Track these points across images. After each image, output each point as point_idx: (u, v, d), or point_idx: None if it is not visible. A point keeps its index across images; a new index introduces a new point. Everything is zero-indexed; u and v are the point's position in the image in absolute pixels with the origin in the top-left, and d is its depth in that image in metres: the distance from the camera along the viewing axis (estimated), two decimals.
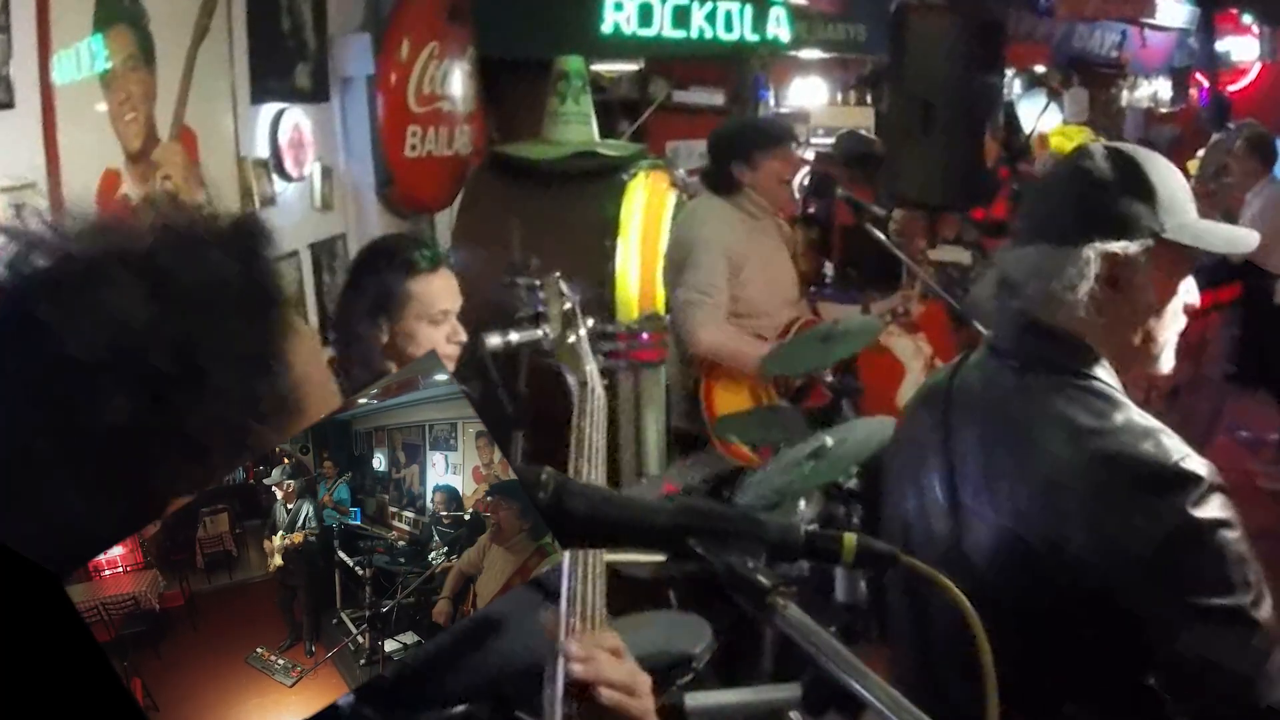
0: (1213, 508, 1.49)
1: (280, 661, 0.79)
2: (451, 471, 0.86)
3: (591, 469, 1.49)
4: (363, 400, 0.85)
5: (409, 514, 0.85)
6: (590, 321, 2.22)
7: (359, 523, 0.84)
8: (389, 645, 0.83)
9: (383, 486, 0.85)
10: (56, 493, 0.75)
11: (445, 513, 0.85)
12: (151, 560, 0.77)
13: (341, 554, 0.83)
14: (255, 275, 0.83)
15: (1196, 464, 1.51)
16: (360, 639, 0.82)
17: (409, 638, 0.83)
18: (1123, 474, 1.52)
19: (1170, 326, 1.67)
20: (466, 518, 0.85)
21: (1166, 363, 1.70)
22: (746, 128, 4.46)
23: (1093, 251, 1.57)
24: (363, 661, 0.82)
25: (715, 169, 4.14)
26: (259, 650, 0.79)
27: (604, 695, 1.15)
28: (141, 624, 0.77)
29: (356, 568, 0.83)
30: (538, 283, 2.27)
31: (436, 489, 0.86)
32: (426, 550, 0.84)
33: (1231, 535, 1.49)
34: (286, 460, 0.81)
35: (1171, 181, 1.64)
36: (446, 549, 0.84)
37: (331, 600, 0.82)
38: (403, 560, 0.84)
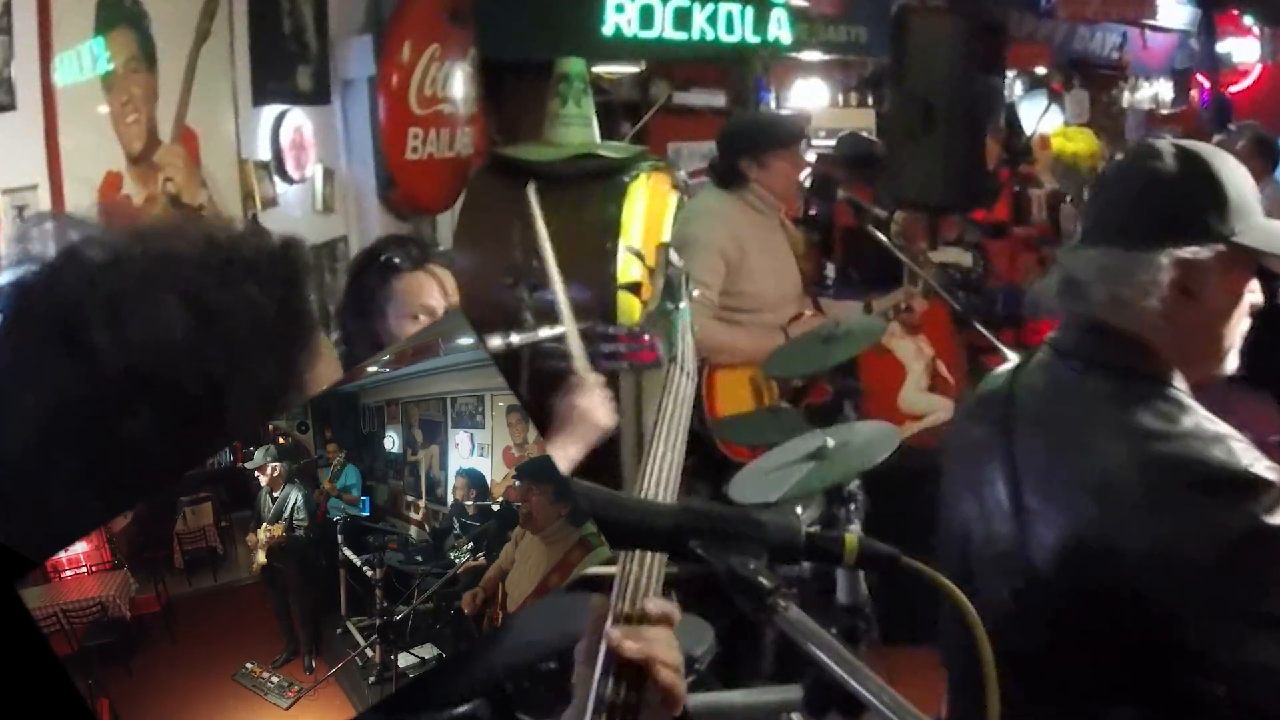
0: None
1: (274, 679, 0.69)
2: (478, 453, 0.74)
3: (668, 449, 1.41)
4: (373, 369, 0.73)
5: (427, 504, 0.73)
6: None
7: (367, 514, 0.72)
8: (403, 660, 0.70)
9: (396, 471, 0.73)
10: (66, 494, 0.70)
11: (470, 502, 0.73)
12: (121, 559, 0.67)
13: (347, 551, 0.71)
14: (292, 306, 0.80)
15: (1267, 470, 1.49)
16: (370, 652, 0.70)
17: (427, 650, 0.70)
18: (1192, 479, 1.50)
19: (1237, 328, 1.66)
20: (495, 508, 0.73)
21: (1231, 364, 1.69)
22: (760, 125, 4.44)
23: (1166, 258, 1.56)
24: (373, 678, 0.70)
25: (724, 163, 4.13)
26: (249, 666, 0.68)
27: (661, 675, 1.02)
28: (110, 634, 0.67)
29: (365, 567, 0.71)
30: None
31: (460, 474, 0.74)
32: (448, 546, 0.72)
33: None
34: (281, 440, 0.70)
35: (1241, 182, 1.62)
36: (471, 545, 0.72)
37: (335, 606, 0.71)
38: (419, 558, 0.72)
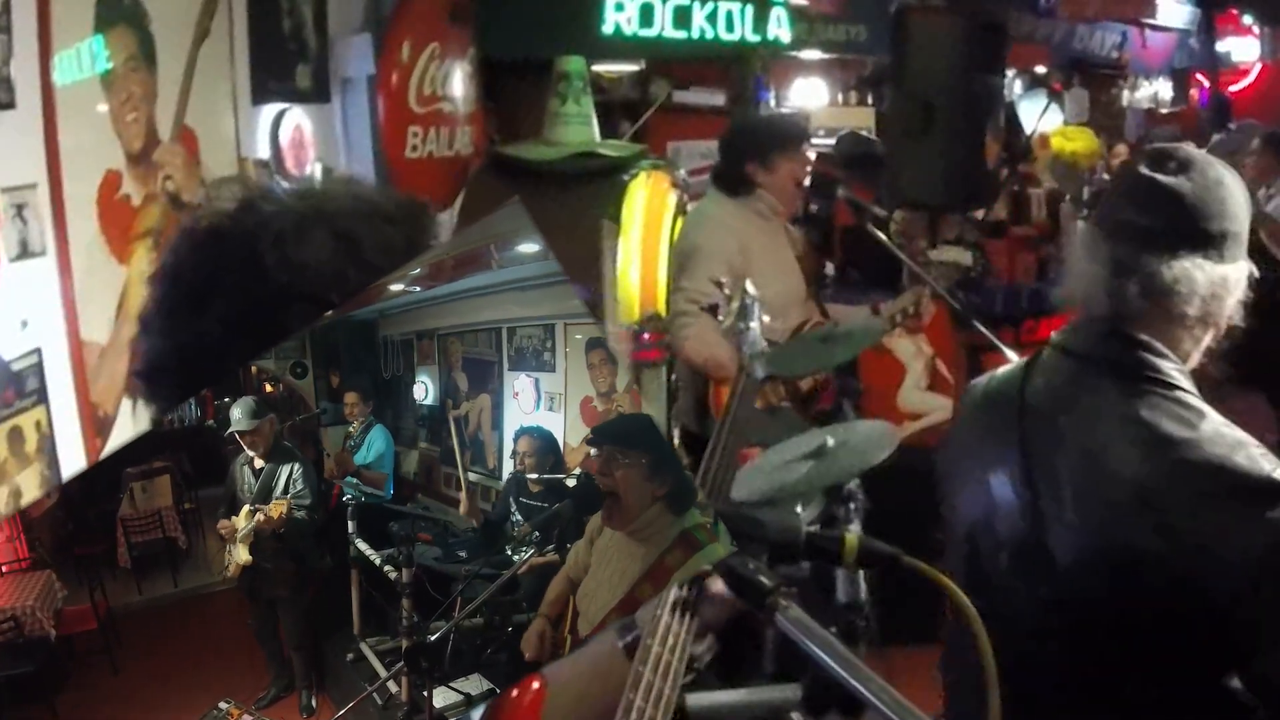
0: None
1: None
2: (546, 405, 0.52)
3: (731, 444, 1.42)
4: (397, 286, 0.51)
5: (475, 476, 0.50)
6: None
7: (390, 494, 0.49)
8: (441, 697, 0.47)
9: (430, 432, 0.49)
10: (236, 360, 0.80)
11: (534, 475, 0.50)
12: (44, 554, 0.45)
13: (361, 545, 0.49)
14: (417, 243, 0.91)
15: None
16: (393, 685, 0.47)
17: (474, 685, 0.47)
18: (1215, 485, 1.53)
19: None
20: (571, 483, 0.50)
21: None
22: (763, 127, 4.41)
23: (1200, 273, 1.61)
24: None
25: (727, 168, 4.10)
26: (222, 707, 0.46)
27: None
28: (25, 661, 0.46)
29: (387, 567, 0.50)
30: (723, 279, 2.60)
31: (521, 435, 0.51)
32: (504, 537, 0.49)
33: None
34: (269, 388, 0.48)
35: (1245, 195, 1.69)
36: (537, 536, 0.48)
37: (345, 621, 0.49)
38: (463, 554, 0.49)
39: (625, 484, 0.52)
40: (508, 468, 0.52)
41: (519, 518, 0.51)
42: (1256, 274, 1.71)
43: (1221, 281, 1.65)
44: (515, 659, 0.48)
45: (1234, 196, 1.66)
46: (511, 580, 0.48)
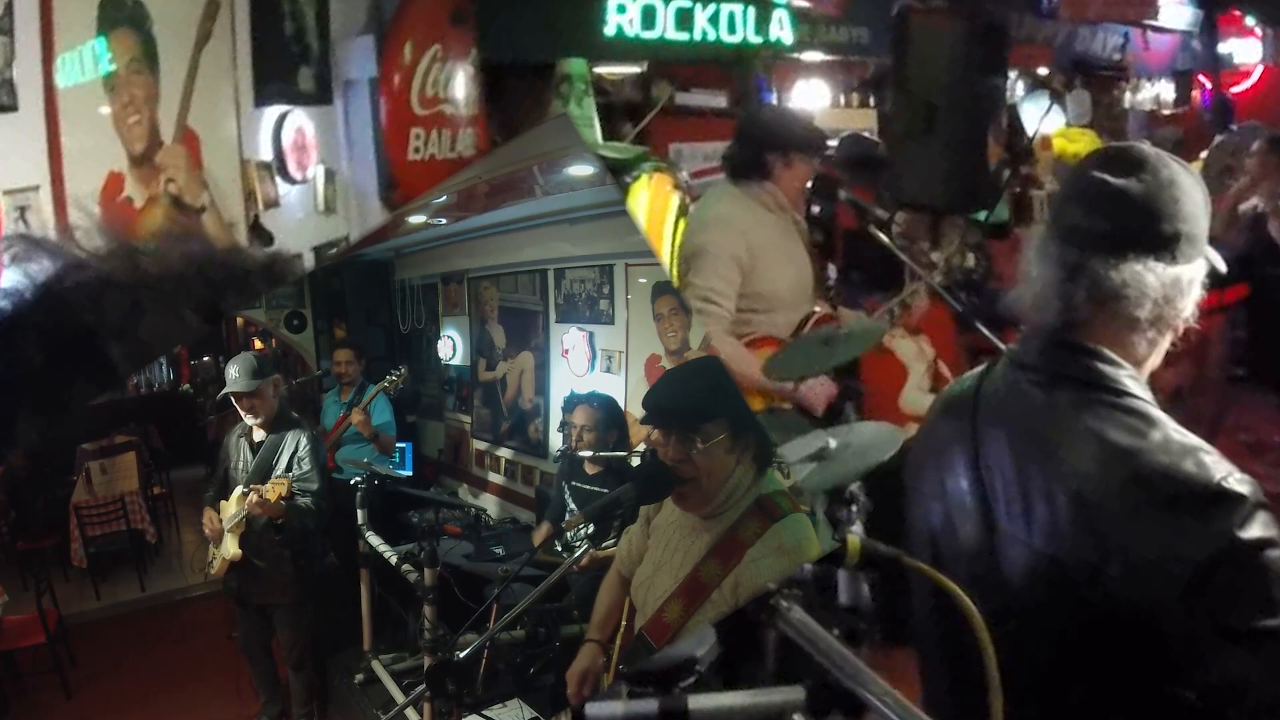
0: (1257, 527, 1.46)
1: None
2: (603, 366, 0.42)
3: None
4: (419, 219, 0.41)
5: (514, 454, 0.41)
6: None
7: (409, 473, 0.41)
8: None
9: (458, 399, 0.40)
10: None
11: (589, 452, 0.42)
12: None
13: (373, 539, 0.40)
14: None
15: (1240, 483, 1.49)
16: (414, 715, 0.37)
17: (513, 714, 0.38)
18: (1163, 494, 1.49)
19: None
20: (635, 461, 0.41)
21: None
22: (792, 122, 4.37)
23: (1151, 275, 1.57)
24: None
25: (745, 153, 4.06)
26: None
27: None
28: None
29: (406, 567, 0.40)
30: None
31: (574, 403, 0.42)
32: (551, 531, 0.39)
33: (1276, 554, 1.46)
34: (257, 344, 0.39)
35: (1203, 194, 1.64)
36: (591, 528, 0.39)
37: (352, 634, 0.41)
38: (499, 550, 0.41)
39: (707, 468, 0.41)
40: (556, 444, 0.42)
41: (571, 505, 0.42)
42: (1222, 270, 1.66)
43: (1174, 283, 1.60)
44: (564, 682, 0.37)
45: (1188, 196, 1.61)
46: (560, 583, 0.37)
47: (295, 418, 0.42)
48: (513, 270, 0.41)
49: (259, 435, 0.41)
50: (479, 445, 0.41)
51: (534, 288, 0.41)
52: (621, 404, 0.41)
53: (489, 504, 0.42)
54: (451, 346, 0.41)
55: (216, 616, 0.37)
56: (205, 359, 0.38)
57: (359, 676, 0.39)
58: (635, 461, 0.40)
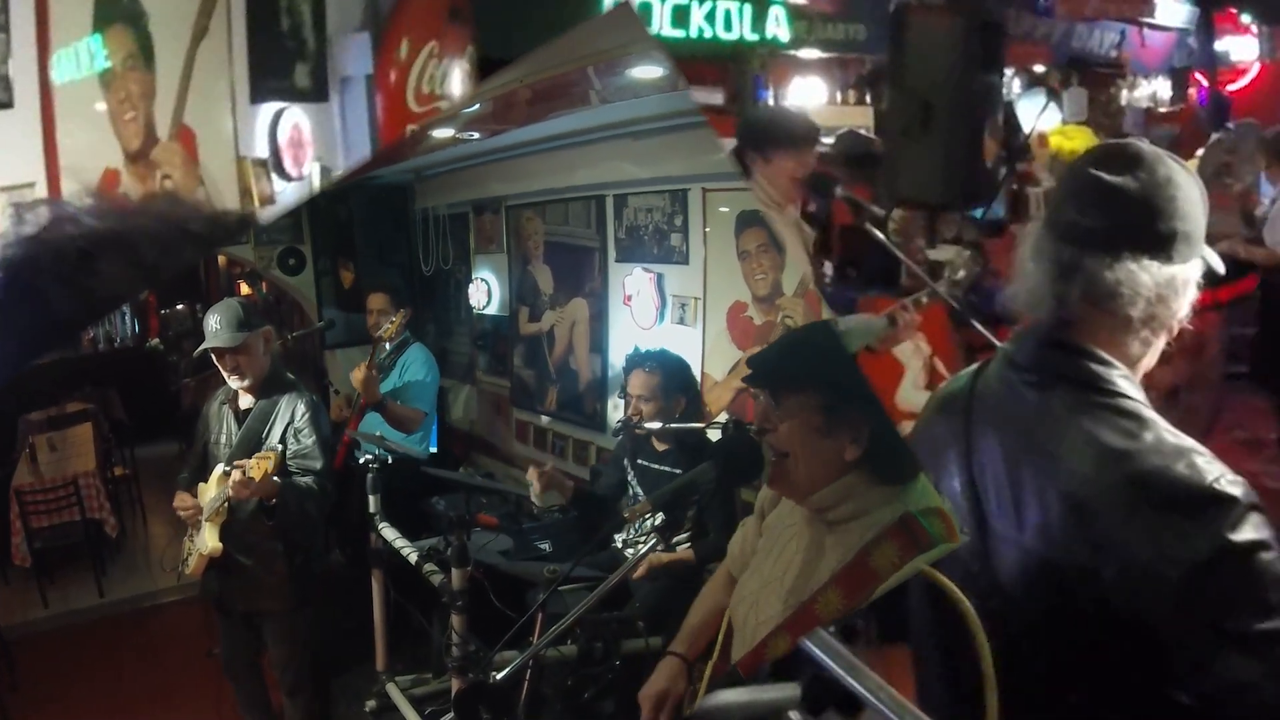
0: (1250, 529, 1.45)
1: None
2: (675, 316, 0.37)
3: None
4: (445, 133, 0.37)
5: (565, 426, 0.38)
6: None
7: (434, 451, 0.38)
8: None
9: (495, 357, 0.37)
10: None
11: (656, 424, 0.37)
12: None
13: (387, 532, 0.37)
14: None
15: (1232, 484, 1.48)
16: None
17: None
18: (1155, 496, 1.48)
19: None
20: (715, 435, 0.38)
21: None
22: (770, 120, 4.39)
23: (1145, 274, 1.56)
24: None
25: (733, 154, 4.09)
26: None
27: None
28: None
29: (428, 567, 0.38)
30: None
31: (637, 363, 0.39)
32: (609, 519, 0.37)
33: (1269, 557, 1.45)
34: (244, 288, 0.36)
35: (1200, 193, 1.63)
36: (662, 520, 0.34)
37: (361, 650, 0.36)
38: (544, 546, 0.38)
39: (793, 440, 0.38)
40: (616, 414, 0.37)
41: (636, 490, 0.37)
42: (1220, 270, 1.64)
43: (1169, 283, 1.58)
44: (627, 709, 0.32)
45: (1185, 194, 1.59)
46: (621, 587, 0.34)
47: (291, 379, 0.39)
48: (562, 197, 0.38)
49: (246, 401, 0.38)
50: (520, 415, 0.37)
51: (589, 219, 0.38)
52: (697, 364, 0.35)
53: (534, 488, 0.36)
54: (486, 292, 0.38)
55: (192, 628, 0.35)
56: (179, 307, 0.37)
57: (371, 704, 0.35)
58: (714, 435, 0.35)
